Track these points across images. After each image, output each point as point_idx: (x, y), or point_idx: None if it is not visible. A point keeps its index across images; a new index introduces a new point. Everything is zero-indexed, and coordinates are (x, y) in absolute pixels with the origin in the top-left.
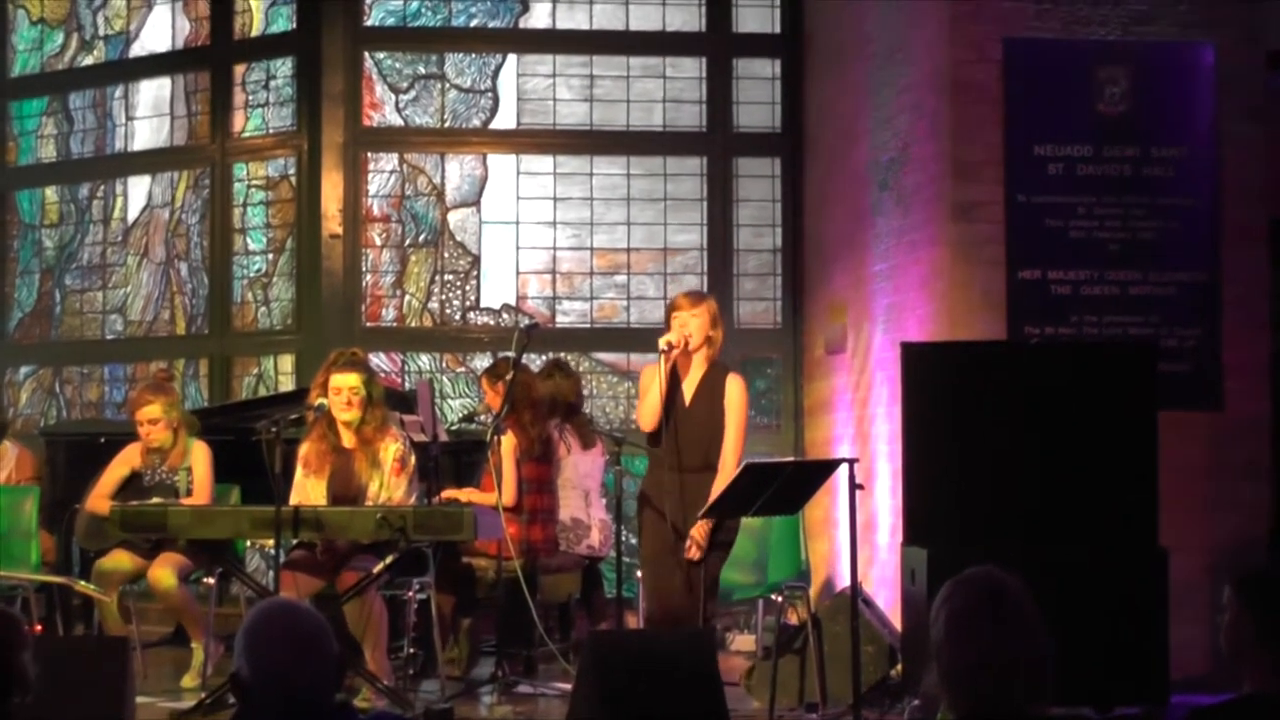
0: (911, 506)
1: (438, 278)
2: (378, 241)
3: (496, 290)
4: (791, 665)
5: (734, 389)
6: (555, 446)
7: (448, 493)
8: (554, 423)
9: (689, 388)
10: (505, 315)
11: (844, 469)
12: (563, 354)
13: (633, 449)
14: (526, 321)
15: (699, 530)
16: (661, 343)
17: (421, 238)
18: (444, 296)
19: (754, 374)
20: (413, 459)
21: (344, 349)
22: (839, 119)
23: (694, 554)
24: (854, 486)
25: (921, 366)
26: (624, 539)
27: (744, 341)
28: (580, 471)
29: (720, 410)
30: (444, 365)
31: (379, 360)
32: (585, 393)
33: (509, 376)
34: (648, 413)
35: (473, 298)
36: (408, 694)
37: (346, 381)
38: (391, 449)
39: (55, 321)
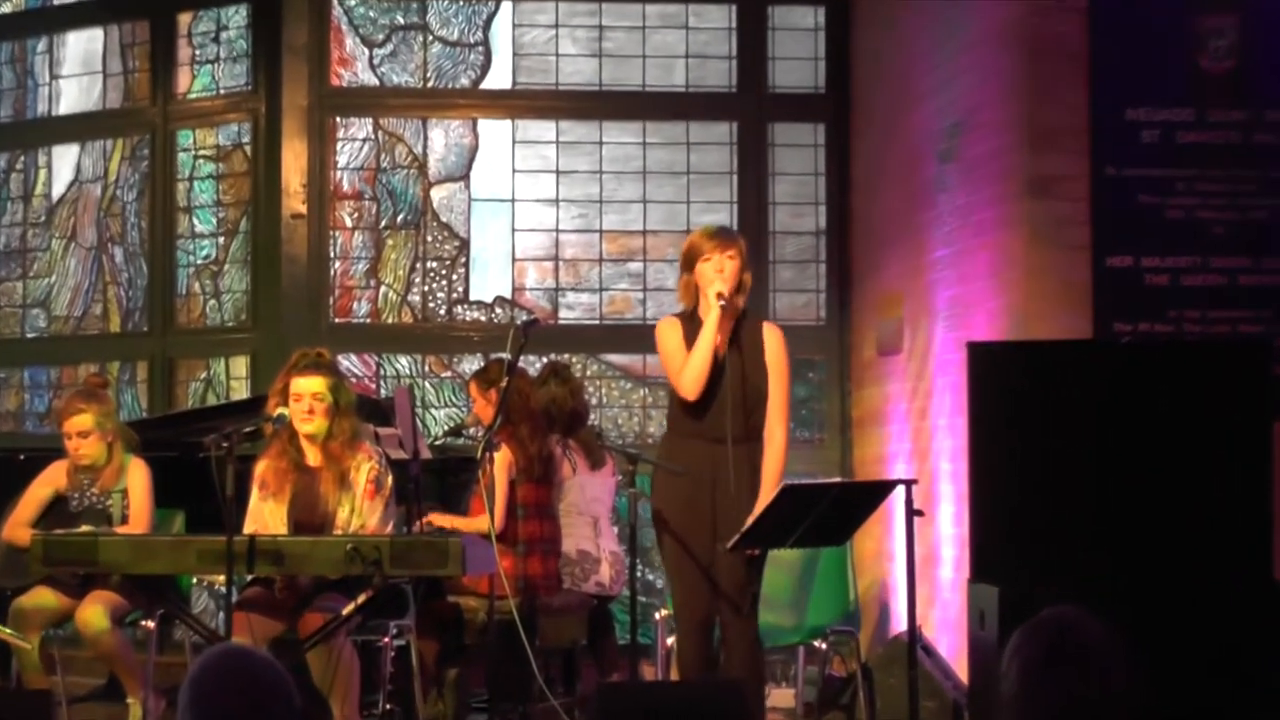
0: (980, 536)
1: (419, 265)
2: (348, 223)
3: (489, 280)
4: None
5: (774, 340)
6: (558, 465)
7: (431, 517)
8: (556, 438)
9: (723, 345)
10: (499, 310)
11: (900, 492)
12: (566, 356)
13: (650, 467)
14: (524, 317)
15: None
16: (713, 295)
17: (400, 218)
18: (426, 288)
19: (793, 379)
20: (389, 480)
21: (308, 349)
22: (893, 78)
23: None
24: (912, 513)
25: (991, 370)
26: (640, 574)
27: None
28: (587, 495)
29: (761, 367)
30: (427, 369)
31: (350, 363)
32: (594, 401)
33: (503, 383)
34: (694, 371)
35: (460, 289)
36: None
37: (310, 387)
38: (364, 468)
39: None
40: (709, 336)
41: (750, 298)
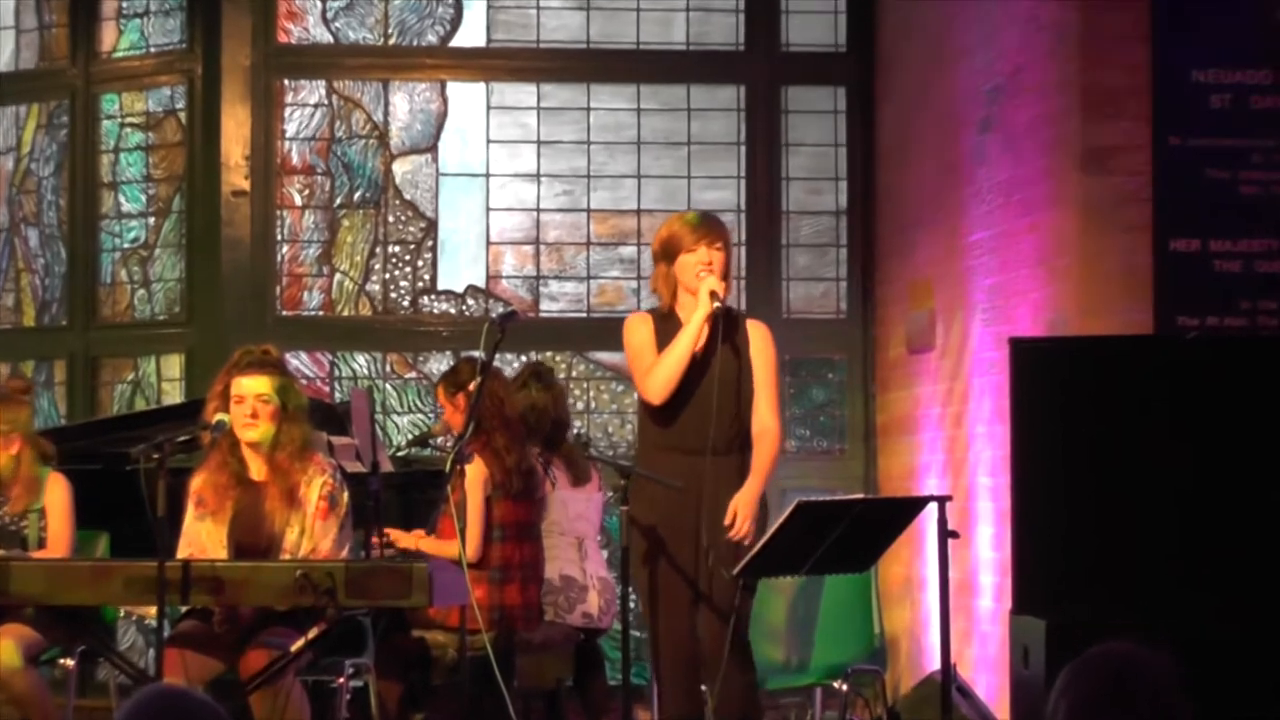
0: (1024, 561)
1: (379, 250)
2: (298, 201)
3: (459, 267)
4: None
5: (761, 337)
6: (539, 480)
7: (393, 537)
8: (536, 450)
9: (703, 344)
10: (471, 301)
11: (931, 510)
12: (549, 354)
13: (645, 481)
14: (500, 310)
15: (743, 510)
16: (706, 294)
17: (357, 196)
18: (388, 275)
19: (808, 380)
20: (345, 496)
21: (251, 346)
22: (925, 34)
23: (743, 529)
24: (945, 534)
25: (1037, 370)
26: (633, 605)
27: (795, 336)
28: (572, 513)
29: (747, 369)
30: (388, 369)
31: (299, 362)
32: (581, 406)
33: (475, 385)
34: (665, 373)
35: (427, 277)
36: None
37: (254, 388)
38: (316, 483)
39: None
40: (691, 334)
41: (761, 288)
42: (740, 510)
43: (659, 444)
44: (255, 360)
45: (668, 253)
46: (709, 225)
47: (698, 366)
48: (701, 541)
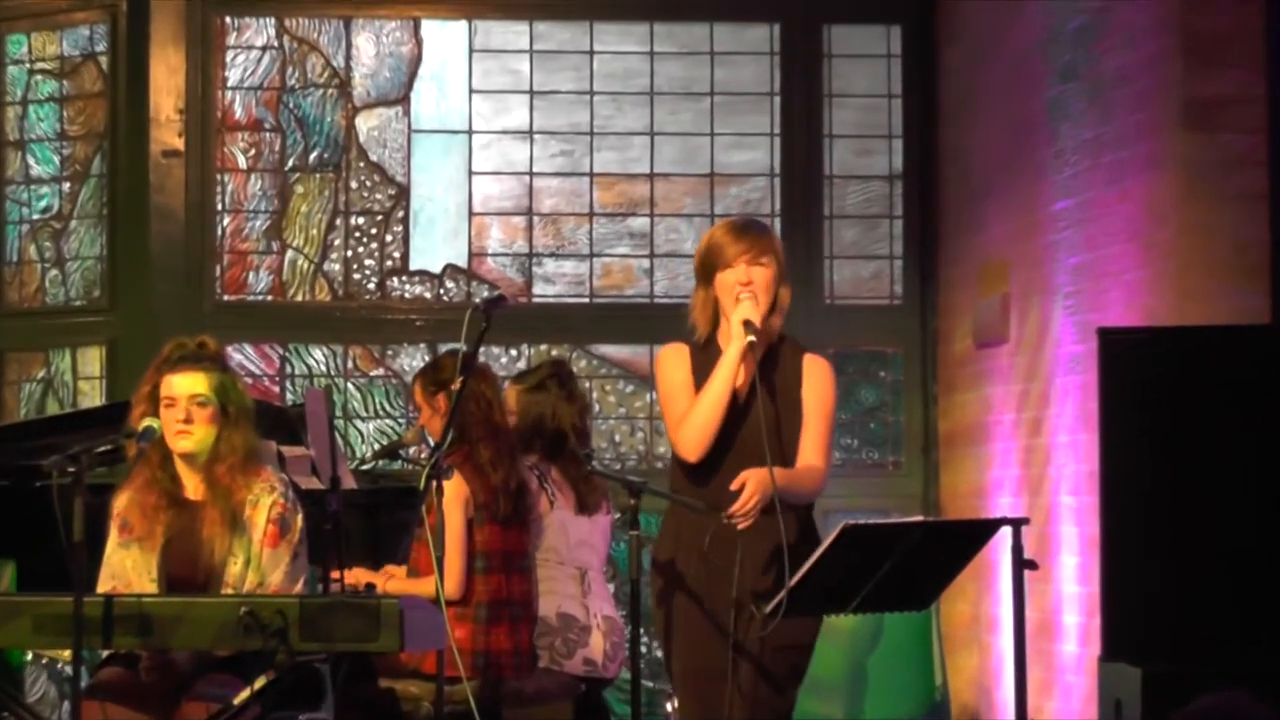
0: (1116, 598)
1: (340, 222)
2: (242, 163)
3: (436, 243)
4: None
5: (818, 375)
6: (533, 501)
7: (357, 574)
8: (531, 460)
9: (745, 383)
10: (450, 284)
11: (1005, 536)
12: (543, 347)
13: (660, 501)
14: (486, 294)
15: (753, 484)
16: (738, 323)
17: (314, 157)
18: (350, 253)
19: (856, 379)
20: (299, 519)
21: (185, 338)
22: None
23: (748, 504)
24: (1022, 564)
25: (1132, 367)
26: (645, 649)
27: (840, 326)
28: (573, 539)
29: (794, 413)
30: (350, 365)
31: (244, 357)
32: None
33: (457, 384)
34: (699, 425)
35: (397, 255)
36: None
37: (188, 388)
38: (264, 503)
39: None
40: (725, 377)
41: (799, 268)
42: (750, 483)
43: (687, 505)
44: (190, 355)
45: (706, 269)
46: (752, 234)
47: (736, 412)
48: (739, 594)
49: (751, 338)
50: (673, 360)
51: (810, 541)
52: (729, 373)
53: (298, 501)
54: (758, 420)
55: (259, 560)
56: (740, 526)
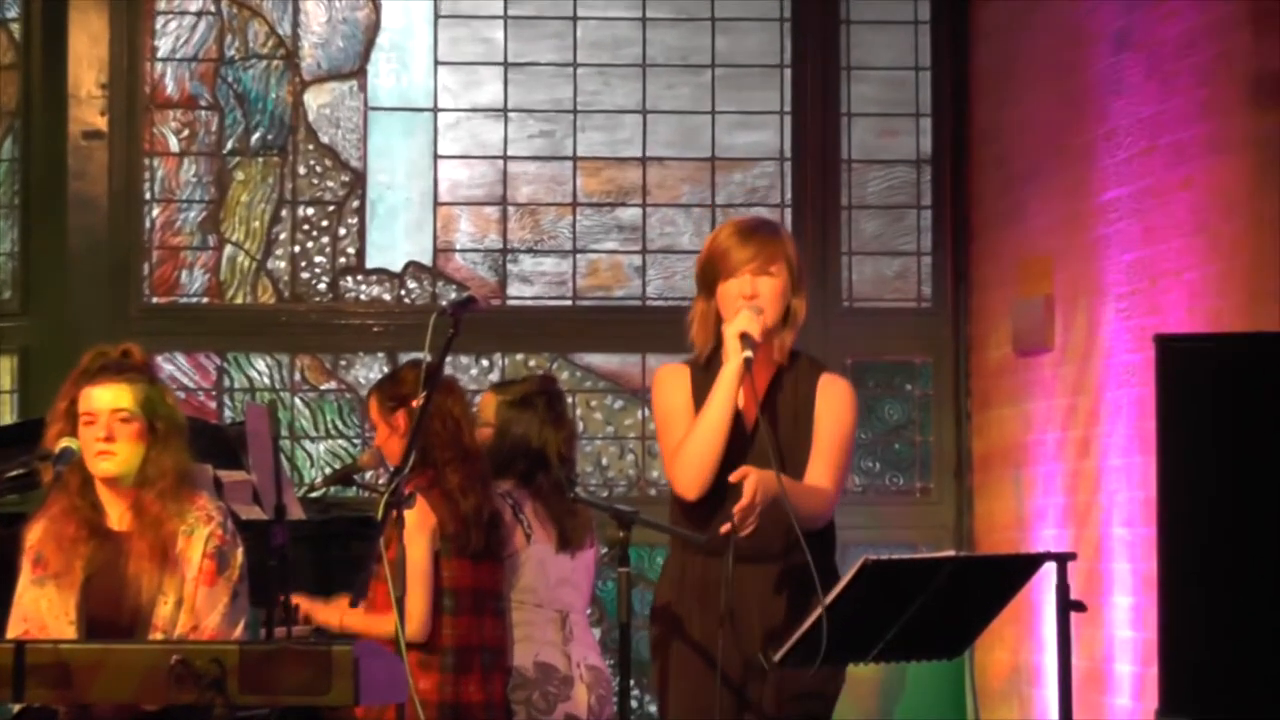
0: (1176, 644)
1: (286, 213)
2: (174, 146)
3: (397, 237)
4: None
5: (835, 394)
6: (507, 533)
7: (305, 609)
8: (505, 487)
9: (750, 407)
10: (413, 284)
11: (1049, 574)
12: (519, 357)
13: (653, 534)
14: (454, 296)
15: (754, 479)
16: (732, 337)
17: (257, 138)
18: (298, 248)
19: (879, 393)
20: (239, 553)
21: (107, 346)
22: None
23: (746, 500)
24: (1068, 605)
25: (1194, 379)
26: (636, 703)
27: (861, 332)
28: (552, 577)
29: (809, 439)
30: (298, 377)
31: (176, 368)
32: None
33: (420, 400)
34: (696, 456)
35: (352, 251)
36: None
37: (109, 403)
38: (199, 534)
39: None
40: (722, 400)
41: (813, 266)
42: (751, 477)
43: (692, 545)
44: (112, 365)
45: (707, 278)
46: (759, 239)
47: (741, 442)
48: (747, 659)
49: (748, 353)
50: (671, 382)
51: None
52: (726, 395)
53: (237, 533)
54: (765, 451)
55: (193, 601)
56: (744, 533)
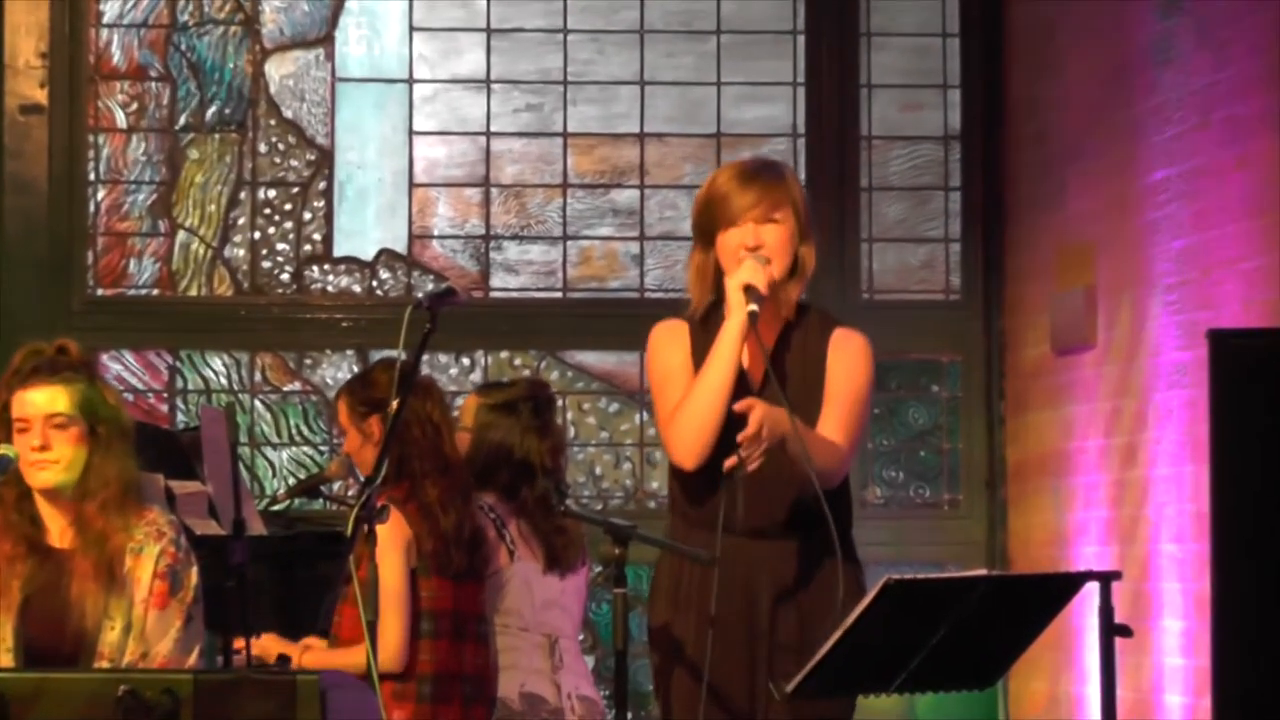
0: (1231, 674)
1: (246, 195)
2: (121, 121)
3: (368, 222)
4: None
5: (849, 349)
6: (490, 551)
7: (267, 643)
8: (487, 500)
9: (756, 364)
10: (386, 274)
11: (1089, 594)
12: (503, 355)
13: (653, 551)
14: (431, 287)
15: (760, 411)
16: (735, 290)
17: (213, 113)
18: (259, 234)
19: (903, 395)
20: (193, 573)
21: (42, 343)
22: None
23: (751, 430)
24: (1112, 630)
25: (1251, 379)
26: None
27: (883, 328)
28: (539, 599)
29: (817, 399)
30: (258, 378)
31: (122, 367)
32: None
33: (394, 404)
34: (694, 419)
35: (318, 237)
36: None
37: (44, 405)
38: (149, 552)
39: None
40: (725, 357)
41: (830, 254)
42: (758, 409)
43: (694, 519)
44: (45, 364)
45: (704, 227)
46: (761, 182)
47: (742, 395)
48: (756, 660)
49: (753, 307)
50: (667, 340)
51: (856, 599)
52: (729, 352)
53: (191, 551)
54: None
55: (142, 625)
56: (750, 467)
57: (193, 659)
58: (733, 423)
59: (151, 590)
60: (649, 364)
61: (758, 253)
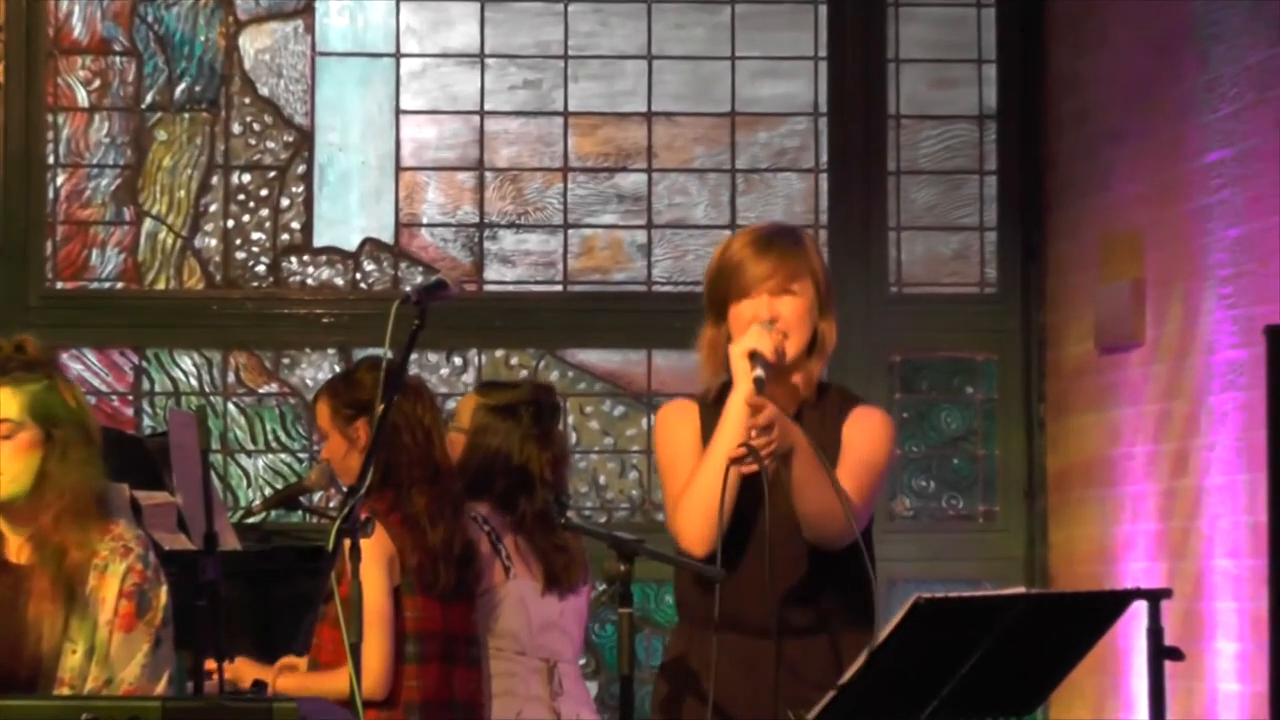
0: None
1: (218, 180)
2: (83, 99)
3: (351, 209)
4: None
5: (868, 423)
6: (483, 567)
7: (241, 667)
8: (481, 511)
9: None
10: (371, 266)
11: (1137, 614)
12: (499, 353)
13: (659, 569)
14: (420, 280)
15: (770, 410)
16: (738, 356)
17: (183, 90)
18: (232, 222)
19: (934, 398)
20: (162, 592)
21: None
22: None
23: (762, 421)
24: (1161, 654)
25: None
26: None
27: (911, 324)
28: (536, 621)
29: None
30: (231, 378)
31: (84, 367)
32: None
33: (380, 406)
34: (699, 504)
35: (297, 225)
36: None
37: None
38: (115, 570)
39: None
40: (731, 434)
41: (853, 244)
42: (770, 407)
43: (701, 618)
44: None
45: (716, 299)
46: (778, 250)
47: (753, 489)
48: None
49: (759, 373)
50: (676, 421)
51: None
52: (735, 427)
53: (160, 569)
54: (784, 514)
55: (106, 649)
56: (766, 452)
57: (161, 686)
58: (743, 503)
59: (117, 611)
60: (658, 446)
61: (773, 326)
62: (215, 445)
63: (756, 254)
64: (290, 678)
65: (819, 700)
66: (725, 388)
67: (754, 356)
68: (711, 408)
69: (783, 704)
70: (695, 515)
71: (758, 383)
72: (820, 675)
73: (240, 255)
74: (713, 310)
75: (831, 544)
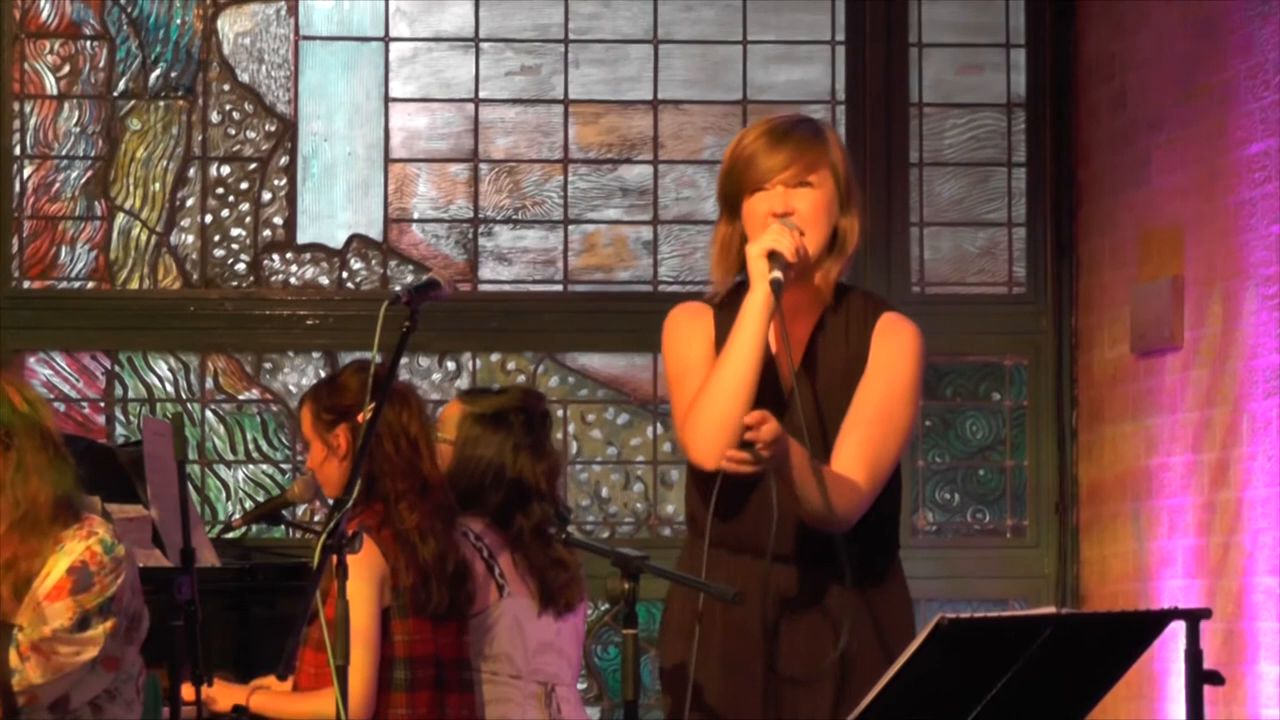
0: None
1: (196, 173)
2: (51, 87)
3: (337, 204)
4: None
5: (894, 338)
6: (476, 586)
7: (213, 697)
8: (475, 528)
9: (783, 351)
10: (358, 264)
11: (1174, 635)
12: (494, 357)
13: (663, 583)
14: (410, 279)
15: (773, 428)
16: (757, 256)
17: (158, 77)
18: (210, 218)
19: (960, 406)
20: (117, 584)
21: None
22: None
23: (767, 433)
24: (1200, 677)
25: None
26: None
27: (935, 326)
28: (532, 643)
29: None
30: (209, 384)
31: (52, 372)
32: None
33: (367, 413)
34: (712, 414)
35: (280, 221)
36: None
37: None
38: (68, 548)
39: None
40: (746, 340)
41: (875, 239)
42: (772, 422)
43: (714, 537)
44: None
45: (730, 194)
46: (794, 141)
47: (770, 393)
48: (780, 706)
49: (777, 274)
50: (686, 325)
51: (906, 639)
52: (752, 332)
53: (124, 563)
54: (796, 410)
55: (32, 617)
56: (765, 454)
57: (83, 679)
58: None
59: (55, 585)
60: (665, 353)
61: (787, 219)
62: (192, 455)
63: (771, 145)
64: (267, 695)
65: (836, 631)
66: (738, 287)
67: (773, 257)
68: (724, 309)
69: (794, 630)
70: (709, 427)
71: (775, 285)
72: (837, 605)
73: (219, 253)
74: (726, 206)
75: (839, 528)
